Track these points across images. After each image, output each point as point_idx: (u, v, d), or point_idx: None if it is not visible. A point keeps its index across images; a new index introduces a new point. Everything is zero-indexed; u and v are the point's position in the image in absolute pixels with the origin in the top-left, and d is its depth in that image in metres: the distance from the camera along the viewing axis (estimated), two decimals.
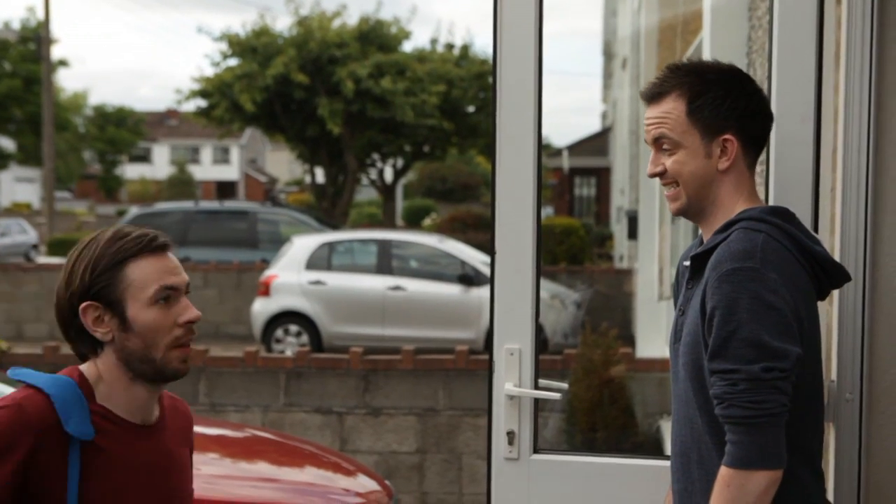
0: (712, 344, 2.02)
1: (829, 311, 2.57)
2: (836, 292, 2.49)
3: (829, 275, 2.14)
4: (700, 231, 2.27)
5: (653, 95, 2.18)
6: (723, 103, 2.12)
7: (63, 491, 1.85)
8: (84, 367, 1.98)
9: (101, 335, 1.93)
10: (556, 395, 2.68)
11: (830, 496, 2.47)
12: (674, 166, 2.15)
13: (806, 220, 2.42)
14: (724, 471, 2.01)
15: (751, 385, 1.96)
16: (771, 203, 2.46)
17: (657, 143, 2.18)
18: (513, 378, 2.65)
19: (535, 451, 2.66)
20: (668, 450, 2.30)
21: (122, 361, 1.94)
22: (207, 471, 4.12)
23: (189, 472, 2.12)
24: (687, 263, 2.21)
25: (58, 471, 1.85)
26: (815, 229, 2.46)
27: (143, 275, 1.92)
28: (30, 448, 1.83)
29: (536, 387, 2.66)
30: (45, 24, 27.65)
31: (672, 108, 2.14)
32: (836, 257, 2.48)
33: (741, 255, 2.01)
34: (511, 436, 2.65)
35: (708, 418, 2.09)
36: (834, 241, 2.50)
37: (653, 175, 2.20)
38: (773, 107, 2.50)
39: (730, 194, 2.16)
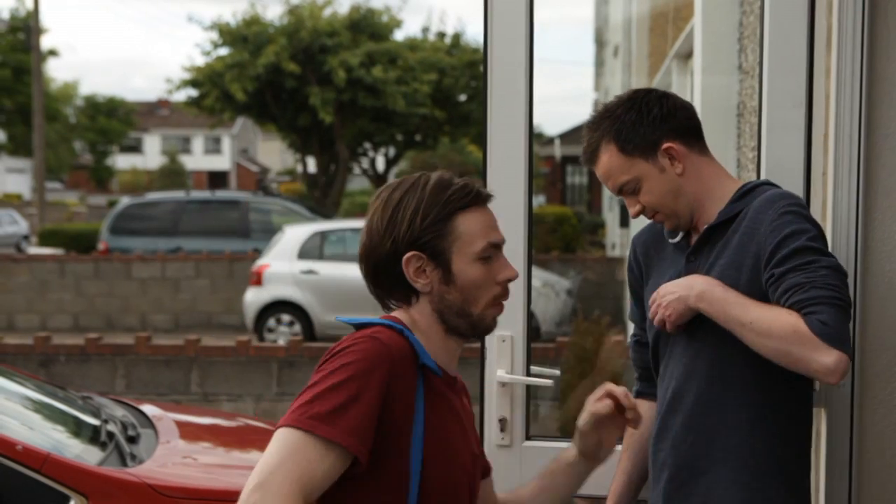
0: (784, 252, 2.04)
1: None
2: None
3: None
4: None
5: (589, 158, 2.27)
6: (642, 122, 2.21)
7: (409, 423, 1.82)
8: (397, 314, 1.93)
9: (421, 286, 1.88)
10: (549, 382, 2.68)
11: (822, 481, 2.48)
12: (646, 199, 2.23)
13: None
14: (801, 327, 1.97)
15: (832, 272, 2.02)
16: None
17: (621, 192, 2.26)
18: (505, 365, 2.65)
19: (528, 437, 2.67)
20: None
21: (437, 314, 1.90)
22: (204, 460, 4.12)
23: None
24: (675, 240, 2.28)
25: (408, 402, 1.83)
26: None
27: (471, 229, 1.88)
28: (389, 374, 1.79)
29: (528, 374, 2.66)
30: (34, 13, 27.52)
31: (609, 157, 2.23)
32: (828, 242, 2.48)
33: (791, 195, 2.16)
34: (503, 423, 2.65)
35: (751, 370, 2.12)
36: (826, 225, 2.50)
37: (637, 215, 2.27)
38: (765, 92, 2.51)
39: (702, 185, 2.23)
